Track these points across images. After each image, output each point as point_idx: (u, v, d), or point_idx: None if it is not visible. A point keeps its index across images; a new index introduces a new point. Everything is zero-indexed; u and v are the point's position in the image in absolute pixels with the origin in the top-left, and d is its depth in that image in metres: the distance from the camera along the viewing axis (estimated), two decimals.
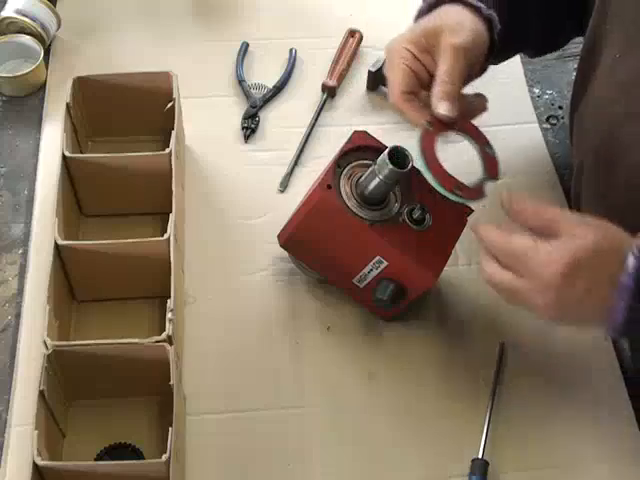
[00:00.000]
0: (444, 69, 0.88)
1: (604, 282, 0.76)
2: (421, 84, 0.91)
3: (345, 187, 0.92)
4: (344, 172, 0.93)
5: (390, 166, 0.86)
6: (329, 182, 0.90)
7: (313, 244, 0.94)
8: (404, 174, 0.87)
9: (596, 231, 0.77)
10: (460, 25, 0.90)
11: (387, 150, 0.87)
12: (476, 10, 0.92)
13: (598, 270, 0.76)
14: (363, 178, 0.91)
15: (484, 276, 0.83)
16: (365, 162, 0.93)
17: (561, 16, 1.02)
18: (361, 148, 0.94)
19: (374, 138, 0.96)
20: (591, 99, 0.95)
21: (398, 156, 0.87)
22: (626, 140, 0.87)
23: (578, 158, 1.00)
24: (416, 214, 0.91)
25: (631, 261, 0.75)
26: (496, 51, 0.95)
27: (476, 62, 0.92)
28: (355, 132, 0.95)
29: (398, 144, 0.88)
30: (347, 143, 0.94)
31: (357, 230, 0.90)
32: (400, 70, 0.90)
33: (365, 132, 0.96)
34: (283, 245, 0.98)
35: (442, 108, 0.87)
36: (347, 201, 0.90)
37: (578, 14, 1.00)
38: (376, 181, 0.89)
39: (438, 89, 0.88)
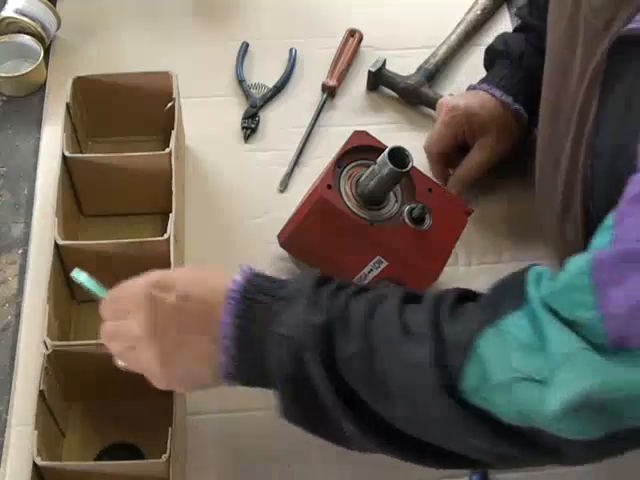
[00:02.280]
0: (475, 160, 1.05)
1: (207, 290, 0.74)
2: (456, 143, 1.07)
3: (345, 187, 0.92)
4: (344, 172, 0.93)
5: (390, 166, 0.86)
6: (329, 182, 0.90)
7: (313, 244, 0.94)
8: (404, 174, 0.87)
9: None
10: (497, 126, 1.04)
11: (387, 150, 0.87)
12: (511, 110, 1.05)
13: (191, 280, 0.75)
14: (363, 178, 0.91)
15: None
16: (365, 162, 0.93)
17: None
18: (361, 148, 0.94)
19: (374, 138, 0.96)
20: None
21: (398, 156, 0.87)
22: (556, 157, 0.90)
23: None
24: (416, 214, 0.91)
25: (237, 278, 0.73)
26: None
27: (510, 142, 1.06)
28: (355, 132, 0.95)
29: (398, 144, 0.88)
30: (347, 143, 0.94)
31: (357, 230, 0.90)
32: (443, 129, 1.05)
33: (365, 132, 0.96)
34: (283, 245, 0.97)
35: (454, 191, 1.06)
36: (347, 201, 0.90)
37: None
38: (376, 181, 0.89)
39: (463, 175, 1.06)
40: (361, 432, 0.70)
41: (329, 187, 0.90)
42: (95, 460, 0.88)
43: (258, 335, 0.71)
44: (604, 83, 0.78)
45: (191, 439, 0.91)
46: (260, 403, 0.93)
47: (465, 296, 0.71)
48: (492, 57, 1.12)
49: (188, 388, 0.78)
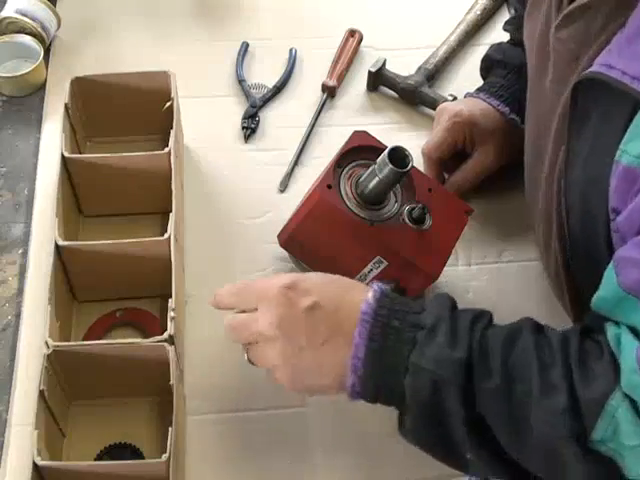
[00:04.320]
0: (474, 168, 1.06)
1: (338, 301, 0.76)
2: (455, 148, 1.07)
3: (345, 187, 0.92)
4: (344, 172, 0.93)
5: (390, 166, 0.86)
6: (329, 182, 0.90)
7: (313, 244, 0.94)
8: (404, 174, 0.87)
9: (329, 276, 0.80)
10: (495, 132, 1.05)
11: (387, 150, 0.87)
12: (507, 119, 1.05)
13: (328, 289, 0.78)
14: (363, 178, 0.91)
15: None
16: (365, 162, 0.93)
17: None
18: (361, 148, 0.94)
19: (374, 138, 0.96)
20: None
21: (398, 156, 0.87)
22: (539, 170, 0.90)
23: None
24: (416, 214, 0.91)
25: (369, 300, 0.75)
26: None
27: (512, 146, 1.04)
28: (355, 132, 0.95)
29: (398, 144, 0.88)
30: (347, 143, 0.94)
31: (357, 230, 0.90)
32: (444, 134, 1.05)
33: (365, 132, 0.96)
34: (283, 245, 0.97)
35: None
36: (347, 201, 0.90)
37: None
38: (376, 181, 0.89)
39: (460, 182, 1.06)
40: (482, 461, 0.73)
41: (329, 187, 0.90)
42: (95, 460, 0.88)
43: (391, 361, 0.73)
44: (572, 121, 0.78)
45: (191, 439, 0.90)
46: (260, 403, 0.94)
47: (587, 332, 0.73)
48: (489, 66, 1.11)
49: (309, 392, 0.82)
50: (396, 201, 0.93)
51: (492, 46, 1.12)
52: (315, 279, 0.79)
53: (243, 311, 0.81)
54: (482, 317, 0.75)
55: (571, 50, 0.79)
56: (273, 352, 0.77)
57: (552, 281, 0.91)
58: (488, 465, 0.74)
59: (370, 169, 0.90)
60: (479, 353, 0.72)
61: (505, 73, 1.08)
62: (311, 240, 0.94)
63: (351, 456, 0.91)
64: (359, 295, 0.76)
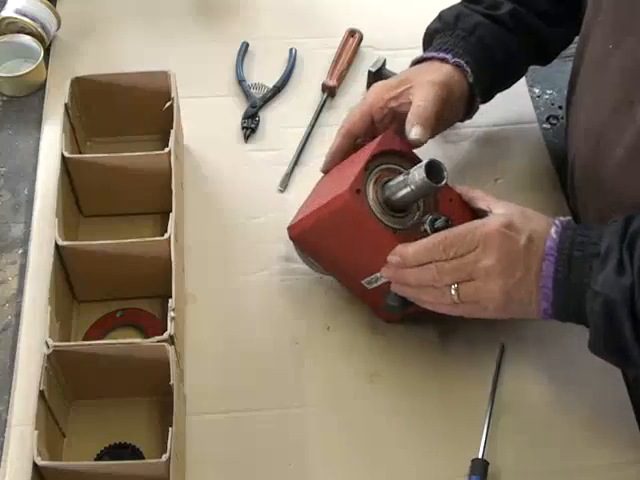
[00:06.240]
0: (420, 97, 0.96)
1: (540, 235, 0.84)
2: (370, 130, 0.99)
3: (371, 192, 0.89)
4: (371, 175, 0.91)
5: (426, 180, 0.84)
6: (358, 187, 0.88)
7: (328, 242, 0.92)
8: (439, 189, 0.86)
9: (520, 206, 0.88)
10: (436, 71, 0.99)
11: (424, 163, 0.84)
12: (451, 63, 1.00)
13: (532, 223, 0.85)
14: (392, 185, 0.88)
15: (427, 278, 0.87)
16: (392, 167, 0.91)
17: (555, 33, 1.07)
18: (389, 152, 0.92)
19: (401, 141, 0.94)
20: (585, 89, 0.97)
21: (434, 170, 0.85)
22: (623, 124, 0.88)
23: (572, 151, 1.00)
24: (439, 224, 0.88)
25: (557, 222, 0.85)
26: (480, 94, 1.03)
27: (454, 102, 0.99)
28: (383, 135, 0.93)
29: (434, 157, 0.86)
30: (377, 144, 0.92)
31: (380, 237, 0.88)
32: (364, 112, 0.99)
33: (393, 134, 0.94)
34: (294, 238, 0.96)
35: (414, 132, 0.94)
36: (373, 207, 0.88)
37: (574, 17, 1.02)
38: (407, 191, 0.87)
39: (412, 115, 0.95)
40: None
41: (357, 192, 0.87)
42: (95, 460, 0.88)
43: (575, 285, 0.82)
44: None
45: (191, 439, 0.91)
46: (260, 403, 0.94)
47: None
48: (430, 39, 1.08)
49: (507, 316, 0.88)
50: (418, 210, 0.91)
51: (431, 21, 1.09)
52: (519, 215, 0.86)
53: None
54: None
55: None
56: (495, 286, 0.84)
57: None
58: None
59: (401, 178, 0.88)
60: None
61: (439, 36, 1.05)
62: (328, 240, 0.92)
63: (350, 457, 0.91)
64: (546, 225, 0.85)
